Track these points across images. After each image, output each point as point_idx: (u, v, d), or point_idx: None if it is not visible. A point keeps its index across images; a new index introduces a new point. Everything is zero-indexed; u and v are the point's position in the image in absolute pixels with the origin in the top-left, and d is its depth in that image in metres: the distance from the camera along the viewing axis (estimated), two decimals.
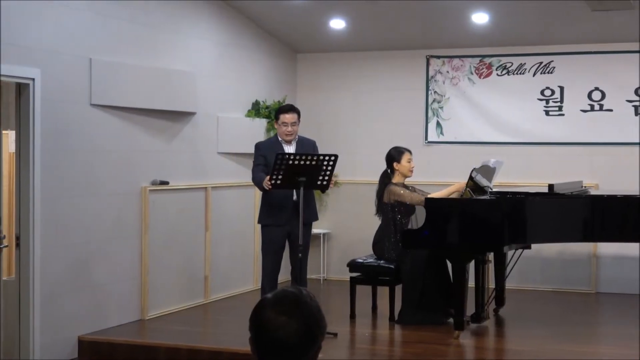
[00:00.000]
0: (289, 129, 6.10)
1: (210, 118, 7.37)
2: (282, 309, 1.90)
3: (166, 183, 6.75)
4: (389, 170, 6.61)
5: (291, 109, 6.17)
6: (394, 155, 6.59)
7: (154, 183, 6.64)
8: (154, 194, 6.63)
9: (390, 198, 6.46)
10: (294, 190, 5.94)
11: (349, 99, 8.79)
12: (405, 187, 6.53)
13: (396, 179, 6.55)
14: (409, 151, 6.63)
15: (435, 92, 8.46)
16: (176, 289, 6.95)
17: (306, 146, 6.19)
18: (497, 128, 8.25)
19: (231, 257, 7.68)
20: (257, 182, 6.02)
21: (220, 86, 7.56)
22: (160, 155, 6.75)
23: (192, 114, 7.07)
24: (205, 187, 7.28)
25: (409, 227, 6.39)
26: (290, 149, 6.14)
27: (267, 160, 6.01)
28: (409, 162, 6.57)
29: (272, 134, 7.85)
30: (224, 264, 7.56)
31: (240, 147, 7.68)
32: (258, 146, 6.22)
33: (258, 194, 7.34)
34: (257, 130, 7.92)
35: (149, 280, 6.59)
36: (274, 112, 7.99)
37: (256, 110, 8.00)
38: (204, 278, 7.29)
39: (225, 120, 7.56)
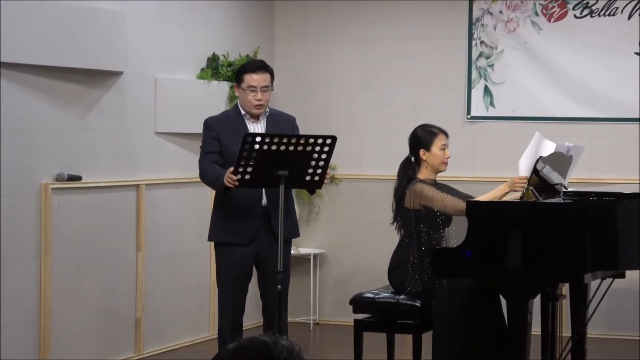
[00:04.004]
0: (259, 96, 6.07)
1: (145, 80, 7.45)
2: None
3: (78, 178, 6.78)
4: (412, 159, 6.56)
5: (261, 66, 6.17)
6: (422, 139, 6.54)
7: (59, 179, 6.68)
8: (60, 195, 6.66)
9: (415, 202, 6.43)
10: (263, 192, 5.97)
11: (353, 54, 8.85)
12: (437, 185, 6.51)
13: (424, 173, 6.52)
14: (445, 133, 6.59)
15: (482, 42, 8.54)
16: (92, 337, 6.97)
17: (282, 124, 6.19)
18: (574, 97, 8.34)
19: (175, 289, 7.72)
20: (210, 178, 5.98)
21: (161, 34, 7.63)
22: (70, 136, 6.79)
23: (117, 74, 7.12)
24: (137, 185, 7.34)
25: (443, 244, 6.35)
26: (257, 127, 6.13)
27: (222, 145, 6.00)
28: (444, 149, 6.54)
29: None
30: (164, 301, 7.62)
31: (188, 124, 7.70)
32: (208, 124, 6.18)
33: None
34: (216, 98, 7.98)
35: (52, 323, 6.62)
36: None
37: (214, 69, 8.07)
38: (134, 321, 7.33)
39: (168, 84, 7.62)
